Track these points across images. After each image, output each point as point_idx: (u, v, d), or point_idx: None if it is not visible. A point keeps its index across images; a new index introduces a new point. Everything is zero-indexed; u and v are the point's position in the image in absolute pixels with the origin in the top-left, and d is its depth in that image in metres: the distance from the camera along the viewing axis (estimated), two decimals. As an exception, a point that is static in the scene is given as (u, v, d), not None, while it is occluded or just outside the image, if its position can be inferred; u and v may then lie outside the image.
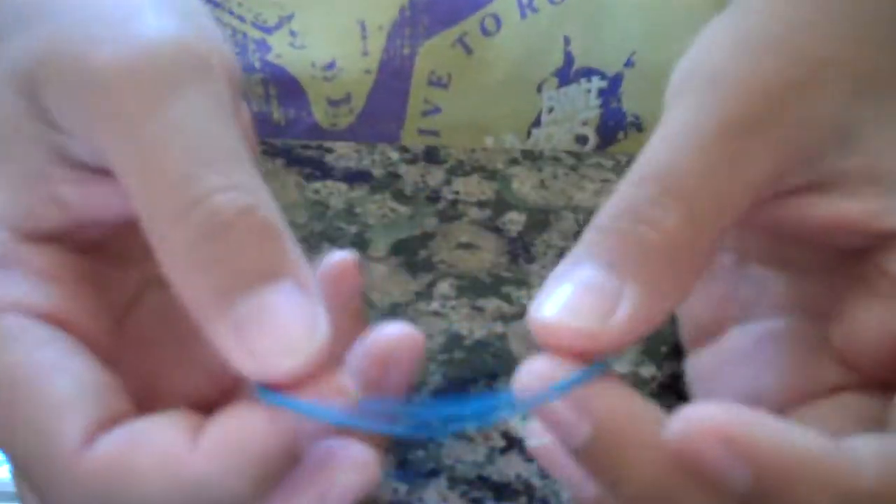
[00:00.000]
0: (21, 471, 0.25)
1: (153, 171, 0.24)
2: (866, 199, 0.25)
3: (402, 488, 0.32)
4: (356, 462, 0.24)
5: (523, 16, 0.50)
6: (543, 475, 0.32)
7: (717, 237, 0.24)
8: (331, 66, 0.50)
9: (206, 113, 0.25)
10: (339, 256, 0.27)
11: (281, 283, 0.23)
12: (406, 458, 0.32)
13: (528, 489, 0.32)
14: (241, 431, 0.23)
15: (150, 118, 0.24)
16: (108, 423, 0.24)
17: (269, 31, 0.50)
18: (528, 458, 0.33)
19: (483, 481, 0.32)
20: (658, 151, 0.24)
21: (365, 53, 0.50)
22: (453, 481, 0.32)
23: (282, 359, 0.23)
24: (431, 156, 0.44)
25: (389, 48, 0.50)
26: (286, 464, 0.24)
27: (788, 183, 0.25)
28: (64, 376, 0.24)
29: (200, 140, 0.24)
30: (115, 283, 0.28)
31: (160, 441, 0.23)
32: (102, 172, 0.26)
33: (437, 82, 0.51)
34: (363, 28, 0.49)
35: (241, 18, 0.50)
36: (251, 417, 0.23)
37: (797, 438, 0.22)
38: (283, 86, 0.51)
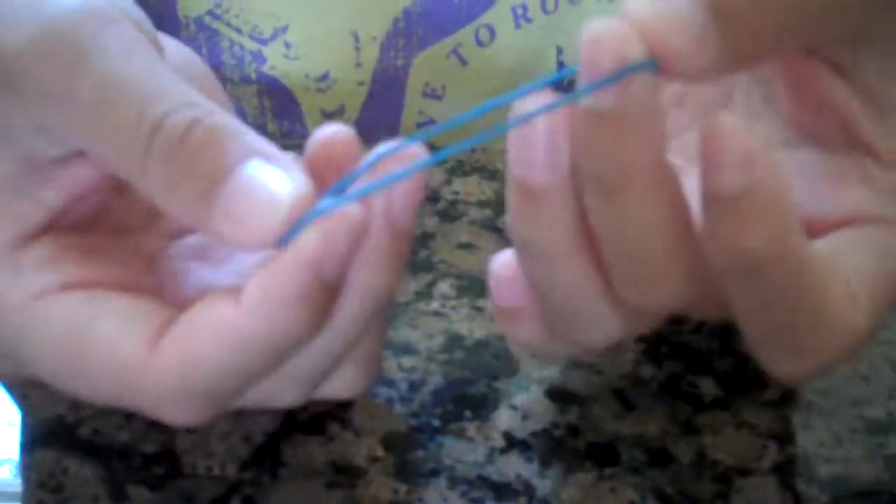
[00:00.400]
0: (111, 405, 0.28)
1: (106, 127, 0.26)
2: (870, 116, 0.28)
3: (402, 488, 0.32)
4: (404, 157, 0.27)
5: (517, 26, 0.50)
6: (543, 475, 0.32)
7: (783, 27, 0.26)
8: (324, 77, 0.50)
9: (127, 55, 0.27)
10: (329, 132, 0.28)
11: (247, 164, 0.26)
12: (406, 458, 0.32)
13: (528, 489, 0.32)
14: (272, 277, 0.25)
15: (79, 82, 0.26)
16: (163, 328, 0.27)
17: (264, 42, 0.50)
18: (528, 459, 0.33)
19: (483, 481, 0.32)
20: None
21: (358, 65, 0.50)
22: (453, 481, 0.32)
23: (274, 217, 0.25)
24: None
25: (383, 59, 0.50)
26: (328, 290, 0.26)
27: (835, 48, 0.28)
28: (107, 317, 0.27)
29: (132, 80, 0.26)
30: (128, 247, 0.30)
31: (209, 318, 0.26)
32: (71, 156, 0.28)
33: (431, 94, 0.51)
34: (356, 39, 0.49)
35: (239, 30, 0.50)
36: (278, 262, 0.25)
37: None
38: (277, 97, 0.51)
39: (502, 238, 0.40)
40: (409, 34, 0.49)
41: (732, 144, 0.23)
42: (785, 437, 0.33)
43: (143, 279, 0.29)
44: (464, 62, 0.50)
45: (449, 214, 0.41)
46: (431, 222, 0.41)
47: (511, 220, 0.26)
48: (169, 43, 0.31)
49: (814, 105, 0.29)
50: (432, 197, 0.42)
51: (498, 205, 0.42)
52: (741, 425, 0.34)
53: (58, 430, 0.33)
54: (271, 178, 0.26)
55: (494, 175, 0.43)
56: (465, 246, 0.40)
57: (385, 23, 0.49)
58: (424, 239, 0.40)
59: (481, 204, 0.42)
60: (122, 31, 0.27)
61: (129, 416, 0.33)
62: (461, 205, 0.42)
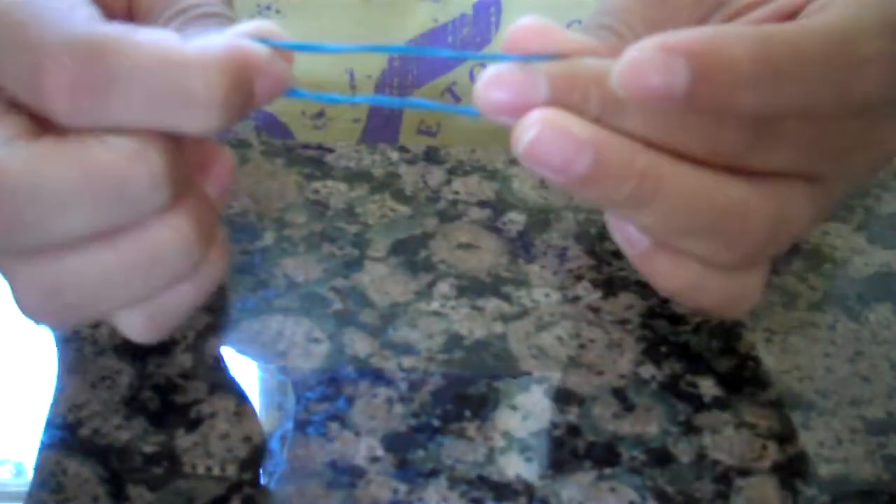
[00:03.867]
0: None
1: None
2: None
3: (402, 488, 0.32)
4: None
5: None
6: (543, 475, 0.32)
7: None
8: (320, 114, 0.50)
9: None
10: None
11: None
12: (406, 458, 0.32)
13: (528, 489, 0.32)
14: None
15: None
16: None
17: None
18: (528, 458, 0.33)
19: (483, 481, 0.32)
20: None
21: None
22: (453, 481, 0.32)
23: None
24: (431, 156, 0.44)
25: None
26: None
27: None
28: None
29: None
30: None
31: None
32: None
33: (425, 131, 0.52)
34: (352, 77, 0.50)
35: None
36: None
37: (720, 31, 0.26)
38: (274, 133, 0.51)
39: (502, 238, 0.40)
40: (403, 73, 0.50)
41: None
42: (785, 437, 0.33)
43: None
44: (458, 99, 0.50)
45: (449, 214, 0.41)
46: (431, 222, 0.41)
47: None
48: None
49: None
50: (432, 197, 0.42)
51: (498, 205, 0.42)
52: (741, 425, 0.34)
53: (58, 430, 0.33)
54: None
55: (494, 175, 0.43)
56: (465, 246, 0.40)
57: (380, 61, 0.49)
58: (424, 239, 0.40)
59: (481, 204, 0.42)
60: None
61: (129, 416, 0.33)
62: (461, 205, 0.42)
